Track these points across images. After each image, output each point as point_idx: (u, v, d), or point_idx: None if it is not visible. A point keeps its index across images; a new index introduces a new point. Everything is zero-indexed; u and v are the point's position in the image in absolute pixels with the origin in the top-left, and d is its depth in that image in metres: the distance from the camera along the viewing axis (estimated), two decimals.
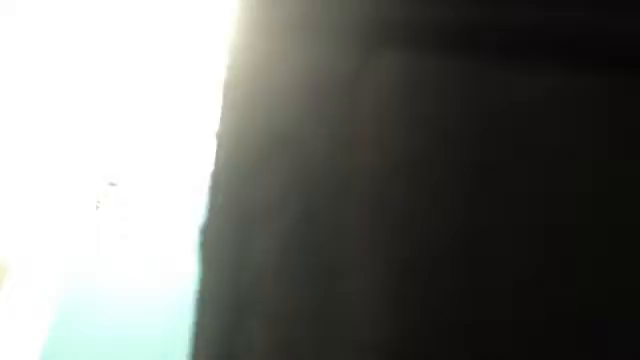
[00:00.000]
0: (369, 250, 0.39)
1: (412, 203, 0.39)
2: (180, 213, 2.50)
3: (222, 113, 0.51)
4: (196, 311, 0.50)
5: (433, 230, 0.38)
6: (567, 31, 0.36)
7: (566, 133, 0.36)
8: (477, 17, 0.38)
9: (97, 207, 2.47)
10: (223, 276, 0.47)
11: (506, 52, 0.38)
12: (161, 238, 2.56)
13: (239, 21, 0.51)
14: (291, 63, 0.45)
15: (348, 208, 0.41)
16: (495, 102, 0.37)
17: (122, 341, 2.50)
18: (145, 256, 2.63)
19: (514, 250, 0.37)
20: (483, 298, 0.37)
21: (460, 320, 0.37)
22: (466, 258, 0.38)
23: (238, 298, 0.46)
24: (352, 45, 0.42)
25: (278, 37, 0.47)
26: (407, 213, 0.39)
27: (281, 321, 0.43)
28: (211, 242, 0.49)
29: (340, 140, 0.42)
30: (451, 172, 0.38)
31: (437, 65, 0.39)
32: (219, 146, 0.51)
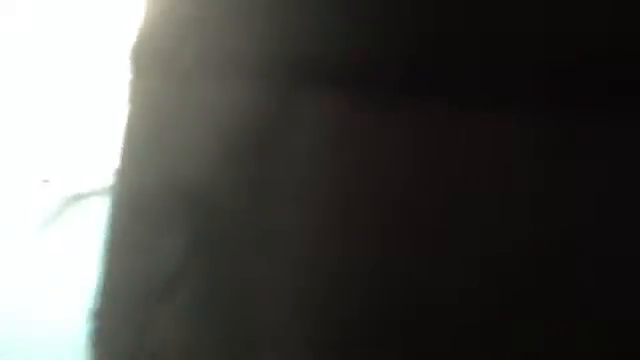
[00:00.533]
0: (290, 318, 0.38)
1: (342, 269, 0.38)
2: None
3: (120, 164, 0.48)
4: None
5: (367, 300, 0.37)
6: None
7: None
8: (409, 53, 0.37)
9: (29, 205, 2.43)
10: (128, 349, 0.44)
11: (445, 91, 0.37)
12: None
13: (139, 64, 0.47)
14: (204, 108, 0.42)
15: (266, 275, 0.39)
16: (433, 144, 0.37)
17: None
18: None
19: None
20: None
21: None
22: (403, 334, 0.37)
23: None
24: (271, 87, 0.40)
25: (184, 79, 0.44)
26: (336, 281, 0.38)
27: None
28: (106, 328, 0.46)
29: (258, 197, 0.40)
30: (387, 232, 0.37)
31: (370, 107, 0.38)
32: (114, 204, 0.47)
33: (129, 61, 0.48)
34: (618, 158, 0.36)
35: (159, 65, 0.45)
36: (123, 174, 0.47)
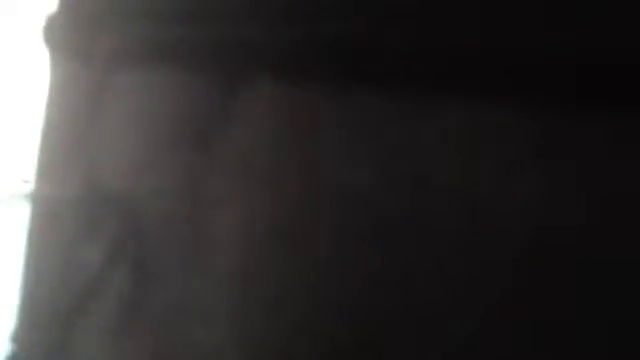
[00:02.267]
0: (226, 338, 0.36)
1: (282, 271, 0.35)
2: None
3: (38, 162, 0.44)
4: None
5: (304, 307, 0.35)
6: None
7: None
8: (367, 44, 0.35)
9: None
10: None
11: (401, 85, 0.35)
12: None
13: (56, 49, 0.43)
14: (125, 101, 0.39)
15: (195, 288, 0.37)
16: (392, 141, 0.35)
17: None
18: None
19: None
20: None
21: None
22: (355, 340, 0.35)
23: None
24: (209, 75, 0.37)
25: (107, 66, 0.40)
26: (274, 284, 0.35)
27: None
28: (25, 352, 0.43)
29: (188, 201, 0.37)
30: (337, 235, 0.35)
31: (319, 100, 0.35)
32: (31, 211, 0.44)
33: (45, 44, 0.44)
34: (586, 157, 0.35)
35: (79, 49, 0.41)
36: (41, 176, 0.44)
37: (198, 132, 0.37)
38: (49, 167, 0.43)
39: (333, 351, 0.35)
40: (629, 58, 0.34)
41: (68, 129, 0.41)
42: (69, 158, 0.41)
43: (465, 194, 0.34)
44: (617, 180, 0.34)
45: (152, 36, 0.38)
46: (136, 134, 0.38)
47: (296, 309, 0.35)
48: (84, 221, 0.40)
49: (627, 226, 0.34)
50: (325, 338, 0.35)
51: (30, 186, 0.47)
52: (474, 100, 0.35)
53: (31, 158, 0.51)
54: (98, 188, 0.39)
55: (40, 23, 0.44)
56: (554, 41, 0.34)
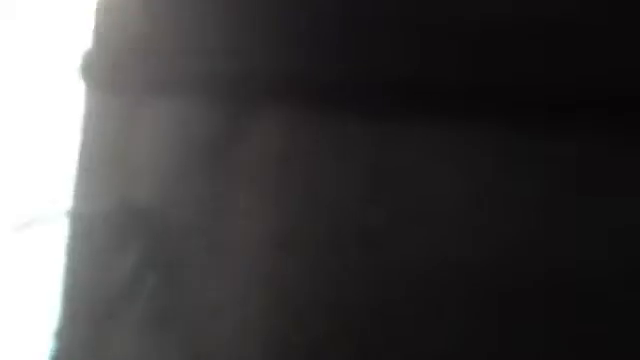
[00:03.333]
0: (243, 332, 0.39)
1: (291, 280, 0.38)
2: None
3: (75, 183, 0.48)
4: None
5: (314, 314, 0.38)
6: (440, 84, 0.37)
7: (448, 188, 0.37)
8: (359, 71, 0.38)
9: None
10: None
11: (391, 106, 0.38)
12: None
13: (91, 81, 0.47)
14: (156, 123, 0.43)
15: (218, 285, 0.40)
16: (382, 159, 0.38)
17: None
18: None
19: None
20: None
21: None
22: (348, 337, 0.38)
23: None
24: (223, 103, 0.41)
25: (136, 96, 0.43)
26: (286, 292, 0.38)
27: None
28: (66, 347, 0.46)
29: (209, 213, 0.40)
30: (334, 243, 0.38)
31: (320, 122, 0.39)
32: (70, 225, 0.47)
33: (81, 78, 0.48)
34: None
35: (111, 82, 0.45)
36: (77, 194, 0.47)
37: (214, 153, 0.40)
38: (85, 186, 0.46)
39: (329, 342, 0.38)
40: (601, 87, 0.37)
41: (102, 153, 0.45)
42: (103, 178, 0.45)
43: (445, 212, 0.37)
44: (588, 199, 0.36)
45: (174, 70, 0.42)
46: (161, 156, 0.42)
47: (300, 307, 0.38)
48: (117, 233, 0.43)
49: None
50: (321, 331, 0.38)
51: (62, 204, 0.50)
52: (455, 122, 0.37)
53: (61, 179, 0.54)
54: (129, 204, 0.43)
55: (76, 58, 0.48)
56: (533, 75, 0.37)
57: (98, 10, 0.47)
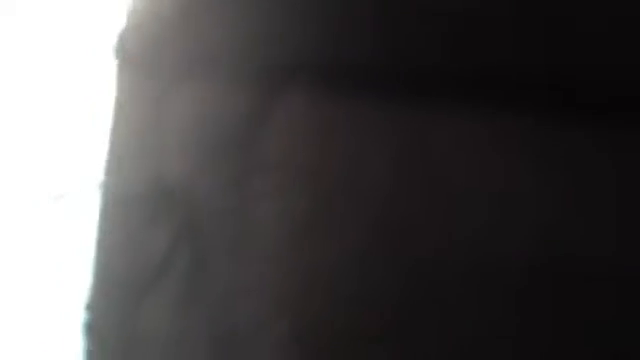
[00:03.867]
0: (272, 312, 0.39)
1: (318, 262, 0.38)
2: None
3: (107, 161, 0.48)
4: None
5: (342, 291, 0.38)
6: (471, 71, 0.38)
7: (477, 175, 0.38)
8: (388, 57, 0.38)
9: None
10: (111, 356, 0.45)
11: (417, 93, 0.38)
12: None
13: (125, 62, 0.48)
14: (185, 107, 0.43)
15: (247, 265, 0.40)
16: (409, 145, 0.38)
17: None
18: None
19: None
20: None
21: None
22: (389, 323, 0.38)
23: None
24: (253, 87, 0.41)
25: (170, 79, 0.44)
26: (313, 273, 0.39)
27: None
28: (98, 319, 0.47)
29: (237, 194, 0.41)
30: (360, 225, 0.38)
31: (347, 107, 0.39)
32: (102, 201, 0.48)
33: (114, 59, 0.48)
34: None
35: (144, 64, 0.46)
36: (110, 172, 0.48)
37: (243, 136, 0.41)
38: (118, 165, 0.47)
39: (359, 322, 0.38)
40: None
41: (135, 132, 0.46)
42: (136, 157, 0.45)
43: (477, 194, 0.37)
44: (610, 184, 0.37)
45: (206, 53, 0.43)
46: (192, 137, 0.43)
47: (328, 287, 0.38)
48: (149, 211, 0.44)
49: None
50: (360, 317, 0.38)
51: (96, 178, 0.50)
52: (483, 108, 0.37)
53: (96, 154, 0.54)
54: (161, 183, 0.43)
55: (111, 38, 0.49)
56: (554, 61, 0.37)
57: None
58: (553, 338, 0.37)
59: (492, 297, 0.37)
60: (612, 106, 0.37)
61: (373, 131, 0.39)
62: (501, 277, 0.37)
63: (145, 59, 0.46)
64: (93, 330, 0.47)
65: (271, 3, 0.40)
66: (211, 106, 0.42)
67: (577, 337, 0.37)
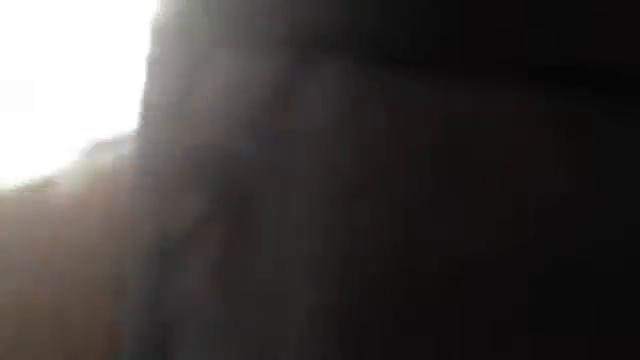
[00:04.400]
0: (311, 280, 0.39)
1: (356, 231, 0.38)
2: None
3: (140, 127, 0.49)
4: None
5: (378, 261, 0.38)
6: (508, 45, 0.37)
7: (515, 153, 0.37)
8: (423, 29, 0.38)
9: None
10: (143, 314, 0.45)
11: (451, 66, 0.38)
12: None
13: (159, 29, 0.48)
14: (218, 75, 0.43)
15: (287, 232, 0.40)
16: (447, 120, 0.38)
17: None
18: None
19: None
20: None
21: None
22: (408, 278, 0.38)
23: (158, 337, 0.44)
24: (287, 55, 0.41)
25: (203, 47, 0.44)
26: (351, 242, 0.38)
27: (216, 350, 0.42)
28: (132, 275, 0.47)
29: (274, 158, 0.41)
30: (399, 196, 0.38)
31: (381, 78, 0.39)
32: (137, 165, 0.49)
33: (149, 28, 0.49)
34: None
35: (178, 30, 0.46)
36: (142, 140, 0.48)
37: (275, 107, 0.41)
38: (151, 133, 0.48)
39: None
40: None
41: (170, 95, 0.46)
42: (167, 127, 0.46)
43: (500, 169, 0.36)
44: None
45: (236, 23, 0.43)
46: (225, 108, 0.43)
47: (371, 260, 0.38)
48: (182, 180, 0.44)
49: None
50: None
51: (130, 148, 0.51)
52: (504, 84, 0.37)
53: (128, 124, 0.55)
54: (196, 149, 0.43)
55: (144, 5, 0.49)
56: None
57: None
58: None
59: (510, 274, 0.37)
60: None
61: (408, 101, 0.38)
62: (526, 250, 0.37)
63: (179, 26, 0.46)
64: (128, 286, 0.47)
65: None
66: (244, 74, 0.42)
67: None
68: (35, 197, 0.59)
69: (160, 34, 0.48)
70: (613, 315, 0.36)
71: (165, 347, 0.44)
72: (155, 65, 0.49)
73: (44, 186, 0.58)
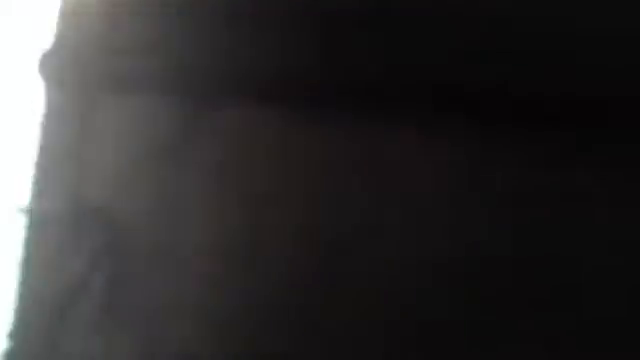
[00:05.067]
0: (193, 340, 0.39)
1: (247, 274, 0.38)
2: None
3: (32, 180, 0.48)
4: None
5: (269, 314, 0.38)
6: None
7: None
8: (324, 70, 0.39)
9: None
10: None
11: (355, 108, 0.38)
12: None
13: (50, 77, 0.47)
14: (107, 125, 0.43)
15: (169, 290, 0.40)
16: (338, 158, 0.38)
17: None
18: None
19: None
20: None
21: None
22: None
23: None
24: (181, 102, 0.41)
25: (93, 96, 0.44)
26: (240, 285, 0.39)
27: None
28: (20, 347, 0.46)
29: (163, 213, 0.40)
30: (301, 246, 0.38)
31: (275, 117, 0.39)
32: (26, 223, 0.47)
33: (40, 74, 0.48)
34: None
35: (69, 80, 0.46)
36: (34, 192, 0.47)
37: (170, 151, 0.40)
38: (42, 183, 0.47)
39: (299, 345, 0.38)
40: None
41: (59, 149, 0.45)
42: (59, 175, 0.45)
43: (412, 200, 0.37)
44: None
45: (132, 69, 0.42)
46: (117, 155, 0.42)
47: (253, 307, 0.38)
48: (71, 232, 0.43)
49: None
50: (287, 335, 0.38)
51: (19, 201, 0.50)
52: (425, 123, 0.37)
53: (19, 176, 0.53)
54: (84, 202, 0.43)
55: (36, 56, 0.48)
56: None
57: (59, 10, 0.47)
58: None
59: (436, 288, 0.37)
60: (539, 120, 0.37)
61: (311, 145, 0.38)
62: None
63: (70, 76, 0.46)
64: (17, 357, 0.46)
65: (202, 18, 0.41)
66: (137, 122, 0.42)
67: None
68: None
69: (53, 81, 0.48)
70: None
71: None
72: (48, 112, 0.48)
73: None
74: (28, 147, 0.48)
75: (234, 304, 0.39)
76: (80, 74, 0.45)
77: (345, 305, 0.38)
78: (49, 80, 0.47)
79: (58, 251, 0.44)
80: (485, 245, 0.37)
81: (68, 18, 0.46)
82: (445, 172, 0.37)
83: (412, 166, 0.38)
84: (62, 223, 0.44)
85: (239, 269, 0.39)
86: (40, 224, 0.46)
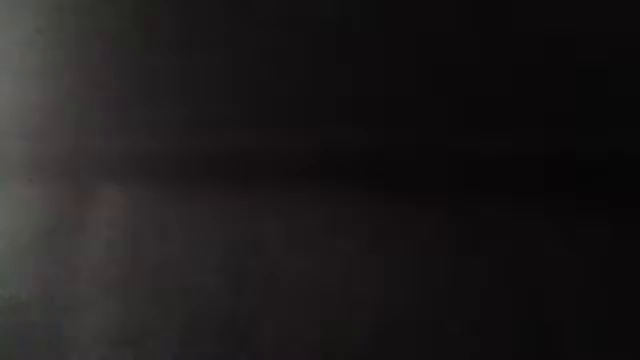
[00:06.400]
0: None
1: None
2: None
3: None
4: None
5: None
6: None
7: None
8: (191, 146, 0.39)
9: None
10: None
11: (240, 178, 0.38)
12: None
13: None
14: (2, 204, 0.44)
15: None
16: (235, 234, 0.38)
17: None
18: None
19: None
20: None
21: None
22: None
23: None
24: (60, 185, 0.41)
25: None
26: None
27: None
28: None
29: (44, 303, 0.41)
30: (188, 336, 0.38)
31: (155, 195, 0.39)
32: None
33: None
34: None
35: None
36: None
37: (53, 243, 0.40)
38: None
39: None
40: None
41: None
42: None
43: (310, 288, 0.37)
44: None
45: (5, 153, 0.42)
46: (8, 232, 0.42)
47: None
48: None
49: None
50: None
51: None
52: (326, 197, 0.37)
53: None
54: None
55: None
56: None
57: None
58: None
59: None
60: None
61: (197, 223, 0.39)
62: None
63: None
64: None
65: (78, 100, 0.40)
66: (26, 204, 0.42)
67: None
68: None
69: None
70: None
71: None
72: None
73: None
74: None
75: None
76: None
77: None
78: None
79: None
80: None
81: None
82: None
83: None
84: None
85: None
86: None
